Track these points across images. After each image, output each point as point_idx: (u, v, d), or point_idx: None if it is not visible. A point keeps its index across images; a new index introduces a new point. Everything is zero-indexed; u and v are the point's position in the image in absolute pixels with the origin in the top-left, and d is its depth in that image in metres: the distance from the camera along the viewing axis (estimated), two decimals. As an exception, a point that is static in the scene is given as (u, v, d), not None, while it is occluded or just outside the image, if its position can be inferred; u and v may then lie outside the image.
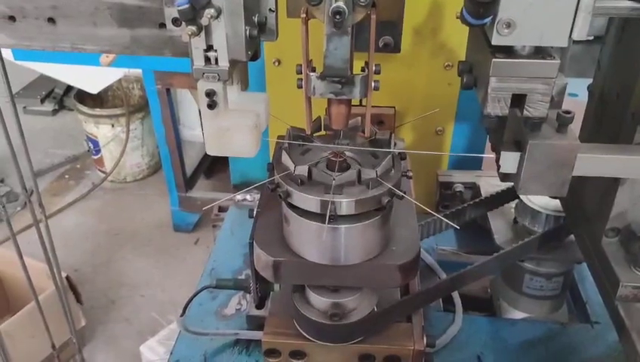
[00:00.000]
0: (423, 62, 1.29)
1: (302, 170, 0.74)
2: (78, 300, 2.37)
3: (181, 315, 1.01)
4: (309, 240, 0.77)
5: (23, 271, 1.56)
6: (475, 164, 1.42)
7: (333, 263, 0.78)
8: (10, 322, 2.11)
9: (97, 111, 3.21)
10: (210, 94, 0.70)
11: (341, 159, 0.76)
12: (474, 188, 1.34)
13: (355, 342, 0.90)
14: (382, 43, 1.15)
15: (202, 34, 0.66)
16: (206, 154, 3.57)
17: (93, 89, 2.97)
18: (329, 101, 0.73)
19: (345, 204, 0.73)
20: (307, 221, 0.75)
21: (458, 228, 1.05)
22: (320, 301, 0.86)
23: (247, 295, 1.23)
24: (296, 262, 0.79)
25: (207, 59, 0.69)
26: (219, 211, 2.74)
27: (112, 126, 3.24)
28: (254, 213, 0.89)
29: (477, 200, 1.18)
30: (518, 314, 1.23)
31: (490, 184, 1.33)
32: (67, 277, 2.24)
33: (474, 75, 0.72)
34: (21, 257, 1.54)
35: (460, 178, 1.35)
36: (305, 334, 0.90)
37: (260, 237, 0.82)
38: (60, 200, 3.30)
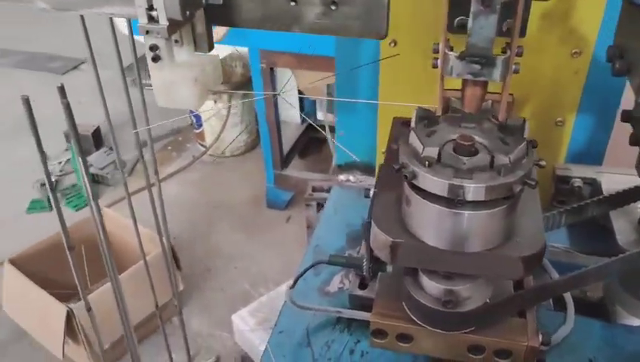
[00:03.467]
0: (549, 49, 1.22)
1: (431, 152, 0.72)
2: (178, 266, 2.50)
3: (291, 287, 1.03)
4: (432, 224, 0.76)
5: (135, 232, 1.66)
6: (596, 159, 1.33)
7: (454, 249, 0.76)
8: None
9: (202, 87, 3.34)
10: (153, 48, 0.74)
11: (470, 143, 0.73)
12: (594, 184, 1.27)
13: (465, 331, 0.88)
14: (505, 27, 1.10)
15: (145, -6, 0.71)
16: (301, 135, 3.63)
17: (201, 65, 3.09)
18: (464, 82, 0.71)
19: (474, 190, 0.70)
20: (432, 204, 0.73)
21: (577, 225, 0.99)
22: (433, 286, 0.84)
23: (350, 274, 1.24)
24: (415, 244, 0.78)
25: (151, 18, 0.72)
26: (312, 191, 2.78)
27: (215, 102, 3.36)
28: (371, 192, 0.88)
29: (600, 197, 1.11)
30: (636, 321, 1.16)
31: (612, 181, 1.25)
32: (170, 242, 2.35)
33: (627, 60, 0.67)
34: (134, 220, 1.64)
35: (579, 173, 1.28)
36: (414, 318, 0.89)
37: (379, 217, 0.81)
38: (162, 170, 3.47)
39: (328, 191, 2.73)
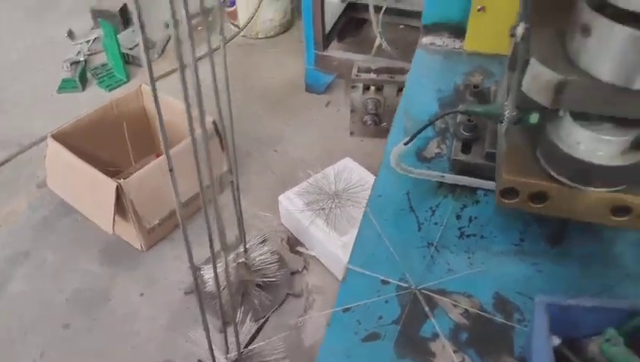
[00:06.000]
0: None
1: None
2: (222, 146, 2.42)
3: (406, 143, 0.94)
4: (615, 53, 0.64)
5: (186, 108, 1.55)
6: None
7: (637, 87, 0.65)
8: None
9: (236, -41, 3.09)
10: None
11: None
12: None
13: (612, 190, 0.79)
14: None
15: None
16: (340, 15, 3.40)
17: None
18: None
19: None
20: (621, 26, 0.62)
21: None
22: (588, 136, 0.74)
23: (446, 139, 1.15)
24: (589, 82, 0.67)
25: None
26: (358, 72, 2.64)
27: (249, -24, 3.13)
28: (518, 29, 0.76)
29: None
30: None
31: None
32: (213, 122, 2.26)
33: None
34: (186, 94, 1.53)
35: None
36: (554, 174, 0.80)
37: (541, 52, 0.69)
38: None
39: (376, 72, 2.60)
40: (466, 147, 1.05)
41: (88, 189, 2.11)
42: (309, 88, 3.04)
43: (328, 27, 3.03)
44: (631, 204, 0.79)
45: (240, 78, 3.19)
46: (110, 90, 3.00)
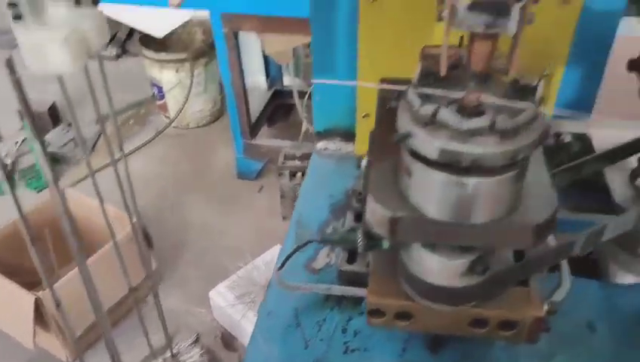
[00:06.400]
0: (536, -2, 1.15)
1: (428, 110, 0.65)
2: (150, 244, 2.40)
3: (279, 269, 0.96)
4: (434, 194, 0.69)
5: (102, 213, 1.55)
6: (586, 110, 1.28)
7: (459, 221, 0.70)
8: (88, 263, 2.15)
9: (162, 55, 3.18)
10: (12, 4, 0.66)
11: (476, 103, 0.66)
12: (584, 139, 1.22)
13: (468, 305, 0.83)
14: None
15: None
16: (268, 102, 3.53)
17: (159, 33, 2.93)
18: (471, 37, 0.63)
19: (480, 155, 0.64)
20: (433, 171, 0.67)
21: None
22: (437, 261, 0.78)
23: (337, 249, 1.18)
24: (416, 218, 0.71)
25: None
26: (285, 159, 2.70)
27: (177, 71, 3.21)
28: (363, 162, 0.81)
29: (594, 155, 1.07)
30: (632, 279, 1.13)
31: (602, 135, 1.21)
32: (139, 221, 2.25)
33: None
34: (100, 200, 1.53)
35: (568, 128, 1.23)
36: (413, 295, 0.83)
37: (376, 190, 0.74)
38: (125, 145, 3.33)
39: (300, 158, 2.67)
40: (352, 257, 1.08)
41: (7, 303, 2.04)
42: (241, 175, 3.08)
43: (256, 114, 3.11)
44: (487, 317, 0.83)
45: (173, 168, 3.21)
46: (39, 192, 2.97)
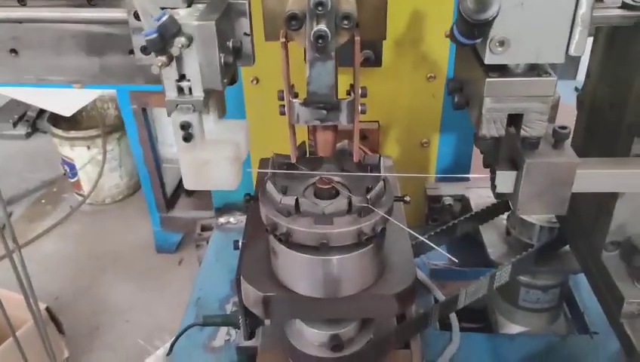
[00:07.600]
0: (406, 75, 1.26)
1: (289, 201, 0.69)
2: (60, 330, 2.29)
3: (168, 354, 0.96)
4: (300, 274, 0.73)
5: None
6: (464, 172, 1.39)
7: (326, 296, 0.74)
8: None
9: (72, 133, 3.13)
10: (185, 126, 0.65)
11: (329, 186, 0.72)
12: (463, 200, 1.32)
13: (351, 374, 0.86)
14: (362, 57, 1.12)
15: (174, 63, 0.62)
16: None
17: (67, 112, 2.90)
18: (314, 127, 0.69)
19: (336, 235, 0.69)
20: (297, 254, 0.71)
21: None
22: (315, 334, 0.82)
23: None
24: (287, 296, 0.75)
25: (181, 90, 0.64)
26: (201, 231, 2.69)
27: (88, 148, 3.16)
28: (239, 244, 0.84)
29: (468, 215, 1.15)
30: (516, 328, 1.20)
31: (479, 196, 1.30)
32: (47, 309, 2.16)
33: (465, 94, 0.69)
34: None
35: (448, 191, 1.33)
36: (299, 368, 0.86)
37: (248, 272, 0.77)
38: (37, 226, 3.20)
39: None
40: (252, 333, 1.10)
41: None
42: (160, 249, 3.02)
43: (173, 186, 3.09)
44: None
45: (90, 246, 3.11)
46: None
